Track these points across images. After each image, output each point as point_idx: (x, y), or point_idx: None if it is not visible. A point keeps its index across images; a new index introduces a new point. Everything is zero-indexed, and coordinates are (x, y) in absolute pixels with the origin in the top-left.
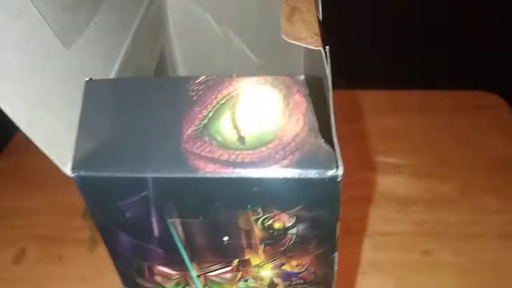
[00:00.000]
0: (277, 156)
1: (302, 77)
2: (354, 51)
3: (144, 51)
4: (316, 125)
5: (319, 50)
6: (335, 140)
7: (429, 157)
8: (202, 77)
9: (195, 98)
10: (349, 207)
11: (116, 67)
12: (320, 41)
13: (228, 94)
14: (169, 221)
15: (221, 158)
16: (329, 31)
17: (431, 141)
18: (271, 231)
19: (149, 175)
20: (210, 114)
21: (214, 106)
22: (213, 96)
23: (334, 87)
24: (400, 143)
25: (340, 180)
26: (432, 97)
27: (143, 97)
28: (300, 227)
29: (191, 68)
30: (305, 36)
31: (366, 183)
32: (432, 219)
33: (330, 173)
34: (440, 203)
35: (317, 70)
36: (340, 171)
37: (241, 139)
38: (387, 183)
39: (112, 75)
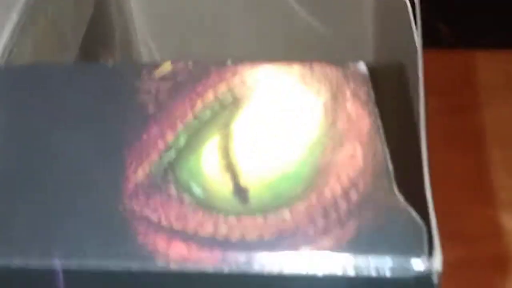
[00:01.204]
0: (312, 230)
1: (362, 65)
2: None
3: None
4: (389, 166)
5: None
6: (428, 194)
7: None
8: (166, 65)
9: (151, 108)
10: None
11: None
12: None
13: (217, 101)
14: None
15: (201, 231)
16: None
17: None
18: None
19: (58, 266)
20: (182, 141)
21: (188, 125)
22: (187, 105)
23: (429, 44)
24: None
25: (438, 279)
26: None
27: (53, 105)
28: None
29: (165, 43)
30: None
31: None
32: None
33: (418, 267)
34: None
35: (397, 44)
36: (437, 262)
37: (241, 192)
38: None
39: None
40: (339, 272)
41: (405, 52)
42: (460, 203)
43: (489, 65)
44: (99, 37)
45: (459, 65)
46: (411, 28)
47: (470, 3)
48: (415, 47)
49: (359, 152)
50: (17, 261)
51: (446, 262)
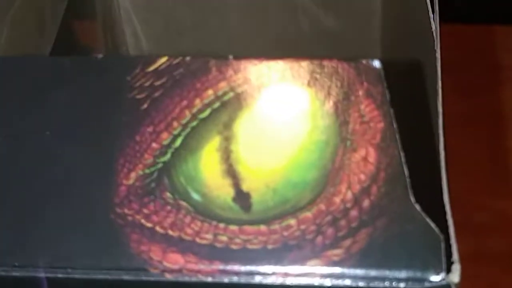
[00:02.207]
0: (319, 239)
1: (376, 62)
2: None
3: None
4: (404, 171)
5: None
6: (446, 202)
7: None
8: (162, 60)
9: (145, 105)
10: None
11: None
12: None
13: (217, 99)
14: None
15: (198, 240)
16: None
17: None
18: None
19: (42, 273)
20: (177, 142)
21: (185, 125)
22: (185, 103)
23: (450, 19)
24: None
25: None
26: None
27: (40, 102)
28: None
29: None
30: None
31: (498, 219)
32: None
33: (435, 280)
34: None
35: (411, 40)
36: (455, 276)
37: (243, 197)
38: None
39: None
40: (348, 283)
41: (420, 44)
42: (471, 193)
43: (508, 42)
44: (80, 15)
45: (474, 41)
46: (427, 16)
47: None
48: (433, 40)
49: (372, 156)
50: (1, 270)
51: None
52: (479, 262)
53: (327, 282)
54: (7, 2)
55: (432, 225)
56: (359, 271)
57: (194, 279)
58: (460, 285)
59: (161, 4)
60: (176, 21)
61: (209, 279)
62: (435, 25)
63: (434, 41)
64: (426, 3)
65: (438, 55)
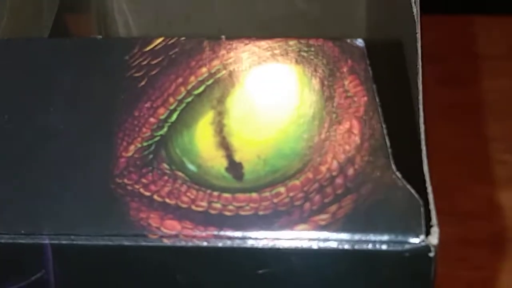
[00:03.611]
0: (307, 206)
1: (360, 41)
2: None
3: None
4: (386, 142)
5: None
6: (426, 171)
7: None
8: (158, 41)
9: (143, 83)
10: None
11: None
12: None
13: (210, 76)
14: None
15: (194, 207)
16: None
17: None
18: None
19: (47, 239)
20: (174, 117)
21: (181, 101)
22: (180, 80)
23: (431, 10)
24: None
25: (435, 255)
26: None
27: (42, 80)
28: None
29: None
30: None
31: (482, 205)
32: None
33: (415, 241)
34: None
35: (394, 20)
36: (434, 238)
37: (236, 168)
38: None
39: None
40: (334, 246)
41: (402, 26)
42: (455, 179)
43: (490, 33)
44: (74, 8)
45: (456, 33)
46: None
47: None
48: (413, 22)
49: (356, 128)
50: (6, 237)
51: (439, 240)
52: (466, 246)
53: (314, 245)
54: None
55: (413, 191)
56: (344, 235)
57: (190, 244)
58: (439, 247)
59: None
60: (166, 11)
61: (204, 244)
62: (416, 8)
63: (414, 22)
64: None
65: (418, 35)
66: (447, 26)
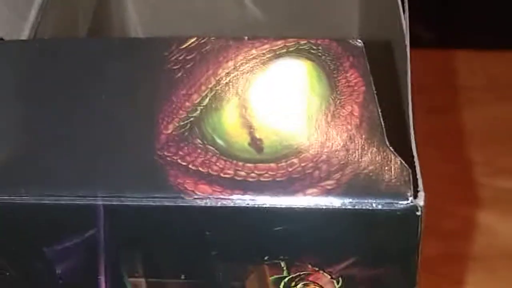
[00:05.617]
0: (316, 174)
1: (359, 42)
2: None
3: None
4: (381, 123)
5: None
6: (413, 146)
7: None
8: (192, 40)
9: (179, 74)
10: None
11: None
12: None
13: (235, 69)
14: (129, 281)
15: (222, 174)
16: None
17: None
18: None
19: (100, 201)
20: (205, 102)
21: (211, 88)
22: (210, 72)
23: (415, 45)
24: None
25: (421, 214)
26: None
27: (87, 71)
28: None
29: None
30: None
31: (465, 225)
32: None
33: (405, 203)
34: None
35: (384, 26)
36: (420, 200)
37: (257, 143)
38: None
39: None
40: (335, 207)
41: (392, 31)
42: (440, 200)
43: (470, 66)
44: (101, 29)
45: (439, 66)
46: (397, 7)
47: (450, 2)
48: (401, 25)
49: (356, 111)
50: (66, 199)
51: (424, 258)
52: (447, 263)
53: (322, 205)
54: (50, 9)
55: (403, 163)
56: (347, 198)
57: (219, 204)
58: (424, 208)
59: (166, 16)
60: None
61: (231, 204)
62: (404, 21)
63: (402, 26)
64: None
65: (407, 39)
66: (430, 60)
